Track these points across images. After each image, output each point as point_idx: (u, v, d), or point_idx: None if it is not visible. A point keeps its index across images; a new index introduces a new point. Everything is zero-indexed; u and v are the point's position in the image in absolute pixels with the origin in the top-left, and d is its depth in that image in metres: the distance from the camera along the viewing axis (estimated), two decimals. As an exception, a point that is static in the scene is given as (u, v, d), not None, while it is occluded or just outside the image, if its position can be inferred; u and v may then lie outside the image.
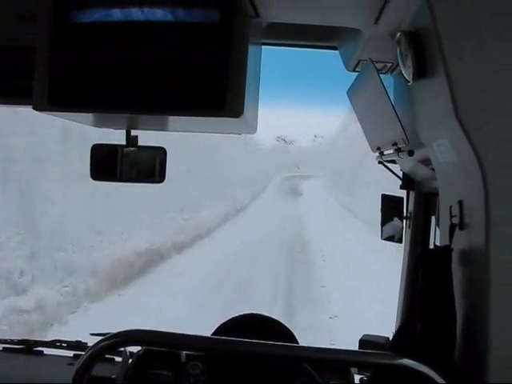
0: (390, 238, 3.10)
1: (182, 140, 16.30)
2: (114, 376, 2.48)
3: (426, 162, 2.27)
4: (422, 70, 1.74)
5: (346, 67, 2.59)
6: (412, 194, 2.94)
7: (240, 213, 27.93)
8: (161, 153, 2.31)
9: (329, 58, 2.75)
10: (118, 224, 14.22)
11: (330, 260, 15.88)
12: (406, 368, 1.55)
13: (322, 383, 2.34)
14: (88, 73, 1.60)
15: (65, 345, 2.79)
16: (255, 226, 21.93)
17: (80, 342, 2.76)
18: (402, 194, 3.04)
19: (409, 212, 2.96)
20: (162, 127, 2.10)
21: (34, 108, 1.66)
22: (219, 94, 1.52)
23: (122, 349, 2.49)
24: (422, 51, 1.72)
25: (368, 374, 2.52)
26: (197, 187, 21.64)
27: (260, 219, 24.58)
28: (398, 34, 1.80)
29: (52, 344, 2.83)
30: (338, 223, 24.32)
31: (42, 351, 2.81)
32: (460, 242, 1.76)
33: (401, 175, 2.97)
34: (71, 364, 2.56)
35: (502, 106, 1.57)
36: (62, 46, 1.62)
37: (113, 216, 14.07)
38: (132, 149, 2.23)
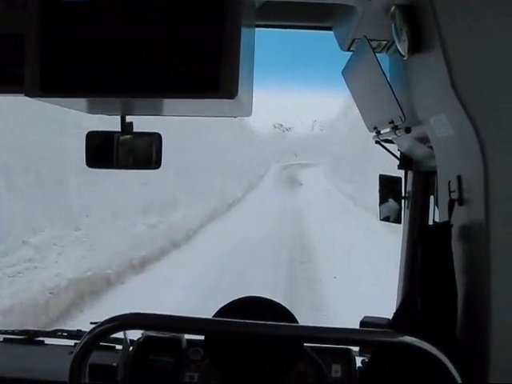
0: (387, 219, 3.09)
1: (176, 128, 15.71)
2: (114, 364, 2.47)
3: (424, 139, 2.26)
4: (417, 44, 1.72)
5: (341, 47, 2.57)
6: (410, 173, 2.92)
7: (232, 208, 24.44)
8: (156, 138, 2.30)
9: (324, 39, 2.71)
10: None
11: (342, 279, 11.56)
12: (408, 345, 1.54)
13: (323, 365, 2.34)
14: (80, 57, 1.58)
15: (65, 334, 2.78)
16: (248, 226, 18.12)
17: (80, 330, 2.75)
18: (400, 174, 3.03)
19: (407, 192, 2.95)
20: (157, 112, 2.08)
21: (26, 95, 1.63)
22: (213, 75, 1.50)
23: (123, 337, 2.49)
24: (417, 25, 1.70)
25: (369, 356, 2.52)
26: (188, 180, 19.64)
27: (255, 216, 21.04)
28: (393, 8, 1.78)
29: (53, 334, 2.83)
30: (345, 217, 21.14)
31: (43, 341, 2.81)
32: (459, 217, 1.75)
33: (398, 155, 2.96)
34: (72, 353, 2.56)
35: (499, 78, 1.55)
36: (53, 30, 1.59)
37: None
38: (127, 135, 2.21)
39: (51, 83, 1.59)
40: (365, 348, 2.50)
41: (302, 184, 40.23)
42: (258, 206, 25.47)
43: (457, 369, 1.48)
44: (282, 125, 78.38)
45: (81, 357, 1.54)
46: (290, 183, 39.72)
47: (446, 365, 1.49)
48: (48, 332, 2.86)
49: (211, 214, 20.07)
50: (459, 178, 1.73)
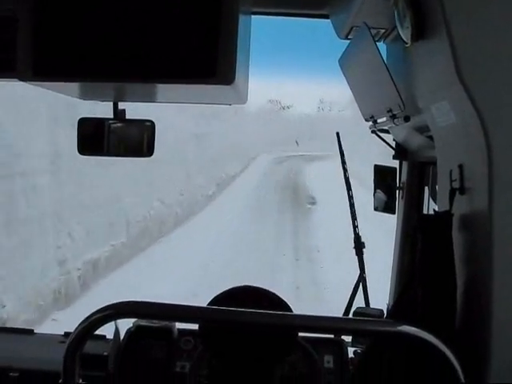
0: (377, 209, 3.09)
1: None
2: (105, 353, 2.45)
3: (421, 129, 2.24)
4: (421, 31, 1.70)
5: (338, 35, 2.55)
6: (405, 164, 2.91)
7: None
8: (149, 126, 2.28)
9: (324, 28, 2.62)
10: None
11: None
12: (407, 335, 1.53)
13: (315, 356, 2.33)
14: (73, 40, 1.55)
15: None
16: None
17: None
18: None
19: (402, 182, 2.94)
20: (151, 98, 2.06)
21: (18, 79, 1.60)
22: (210, 60, 1.48)
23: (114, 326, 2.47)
24: (421, 11, 1.68)
25: (362, 347, 2.52)
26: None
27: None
28: None
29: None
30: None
31: (32, 330, 2.78)
32: (460, 206, 1.73)
33: (393, 145, 2.94)
34: (63, 342, 2.53)
35: (505, 66, 1.54)
36: (46, 13, 1.56)
37: None
38: (119, 122, 2.18)
39: (44, 67, 1.56)
40: (359, 338, 2.49)
41: (314, 202, 21.00)
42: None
43: (456, 359, 1.47)
44: (279, 102, 58.35)
45: (75, 346, 1.52)
46: (286, 200, 21.37)
47: (445, 354, 1.48)
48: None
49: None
50: (461, 167, 1.72)
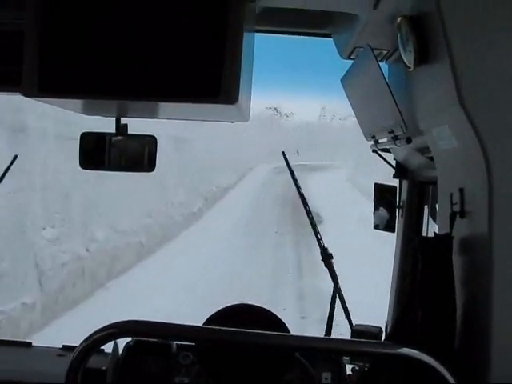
0: (377, 227, 3.10)
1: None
2: (104, 368, 2.45)
3: (423, 150, 2.26)
4: (423, 55, 1.71)
5: (341, 54, 2.57)
6: (405, 183, 2.93)
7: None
8: (150, 141, 2.29)
9: (327, 45, 2.64)
10: None
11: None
12: (407, 357, 1.53)
13: (314, 373, 2.33)
14: (79, 57, 1.56)
15: None
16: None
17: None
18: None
19: (401, 201, 2.95)
20: (153, 114, 2.07)
21: (23, 95, 1.61)
22: (214, 80, 1.49)
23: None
24: (424, 36, 1.69)
25: (360, 364, 2.52)
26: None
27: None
28: (399, 19, 1.77)
29: None
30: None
31: (30, 343, 2.77)
32: (461, 230, 1.74)
33: (394, 164, 2.96)
34: (61, 355, 2.53)
35: (506, 92, 1.55)
36: (52, 30, 1.57)
37: None
38: (121, 137, 2.19)
39: (49, 83, 1.57)
40: (360, 358, 2.49)
41: (319, 221, 12.99)
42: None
43: (455, 381, 1.47)
44: (277, 109, 55.86)
45: (77, 364, 1.53)
46: (286, 217, 18.78)
47: (444, 377, 1.49)
48: None
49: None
50: (462, 191, 1.73)
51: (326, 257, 2.92)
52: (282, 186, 24.97)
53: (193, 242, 14.63)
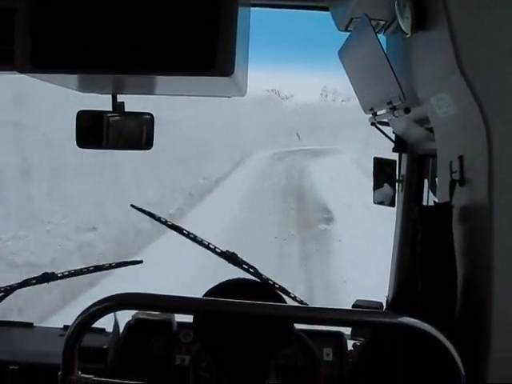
0: (381, 203, 3.08)
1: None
2: (105, 346, 2.45)
3: (422, 121, 2.24)
4: (421, 22, 1.69)
5: (338, 27, 2.54)
6: (404, 156, 2.91)
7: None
8: (148, 119, 2.28)
9: (325, 19, 2.60)
10: None
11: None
12: (407, 326, 1.53)
13: (315, 348, 2.33)
14: (72, 32, 1.54)
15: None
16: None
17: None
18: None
19: (401, 175, 2.94)
20: (150, 90, 2.05)
21: (17, 70, 1.59)
22: (209, 52, 1.47)
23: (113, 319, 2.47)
24: (421, 1, 1.67)
25: (361, 339, 2.52)
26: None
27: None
28: None
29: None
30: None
31: (32, 323, 2.77)
32: (460, 198, 1.73)
33: (393, 138, 2.94)
34: (62, 335, 2.53)
35: (505, 57, 1.53)
36: (45, 4, 1.55)
37: None
38: (118, 115, 2.17)
39: (43, 59, 1.55)
40: (358, 330, 2.49)
41: (330, 218, 14.72)
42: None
43: (456, 350, 1.47)
44: (277, 91, 49.83)
45: (73, 339, 1.51)
46: (289, 215, 15.08)
47: (445, 346, 1.48)
48: None
49: None
50: (461, 159, 1.71)
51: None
52: (283, 174, 22.82)
53: (160, 264, 8.83)
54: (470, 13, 1.53)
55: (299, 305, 1.65)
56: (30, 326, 2.77)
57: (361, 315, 1.68)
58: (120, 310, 1.67)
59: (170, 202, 14.95)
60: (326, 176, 21.53)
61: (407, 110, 2.11)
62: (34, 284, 2.65)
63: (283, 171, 23.81)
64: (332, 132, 42.46)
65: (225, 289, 2.09)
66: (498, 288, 1.58)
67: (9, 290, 2.60)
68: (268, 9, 2.70)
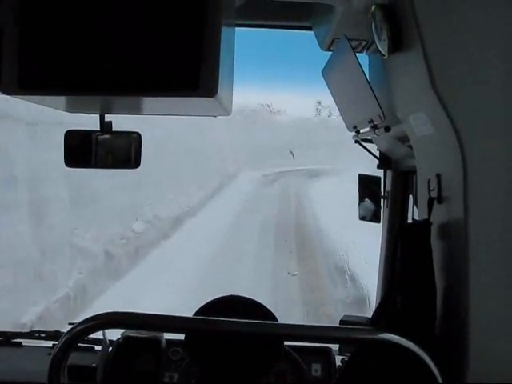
0: (363, 218, 3.11)
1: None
2: (94, 364, 2.45)
3: (403, 138, 2.28)
4: (397, 43, 1.73)
5: (321, 46, 2.59)
6: (389, 173, 2.94)
7: None
8: (136, 137, 2.29)
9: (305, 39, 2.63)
10: None
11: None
12: (388, 342, 1.55)
13: (303, 365, 2.35)
14: (59, 53, 1.56)
15: (43, 335, 2.75)
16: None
17: (58, 331, 2.72)
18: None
19: (386, 191, 2.97)
20: (137, 111, 2.07)
21: (3, 92, 1.61)
22: (193, 73, 1.50)
23: (102, 337, 2.47)
24: (397, 24, 1.71)
25: (348, 355, 2.53)
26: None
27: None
28: (373, 8, 1.79)
29: (30, 335, 2.79)
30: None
31: (20, 342, 2.77)
32: (439, 215, 1.76)
33: (378, 155, 2.97)
34: (50, 354, 2.53)
35: (478, 78, 1.57)
36: (32, 26, 1.57)
37: None
38: (106, 134, 2.20)
39: (29, 80, 1.57)
40: (345, 346, 2.51)
41: (361, 298, 8.08)
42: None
43: (436, 366, 1.49)
44: (269, 106, 45.83)
45: (60, 357, 1.52)
46: (293, 301, 8.36)
47: (425, 361, 1.51)
48: (25, 333, 2.82)
49: None
50: (438, 177, 1.75)
51: None
52: (275, 205, 16.42)
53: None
54: (443, 35, 1.57)
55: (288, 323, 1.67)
56: (18, 345, 2.76)
57: (343, 332, 1.71)
58: (106, 328, 1.68)
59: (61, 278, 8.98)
60: (333, 206, 14.78)
61: (387, 129, 2.15)
62: None
63: (275, 200, 17.89)
64: (329, 149, 38.17)
65: (216, 306, 2.10)
66: (475, 303, 1.61)
67: None
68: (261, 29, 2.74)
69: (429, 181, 1.79)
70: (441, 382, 1.49)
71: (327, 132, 39.80)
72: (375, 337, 1.59)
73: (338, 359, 2.58)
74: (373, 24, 1.84)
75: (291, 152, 36.12)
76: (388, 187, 2.95)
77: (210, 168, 20.71)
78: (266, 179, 25.46)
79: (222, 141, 25.66)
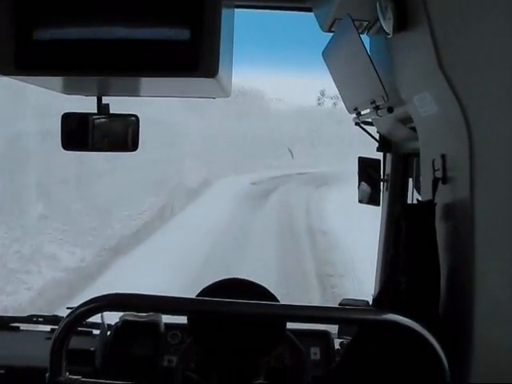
0: (362, 201, 3.10)
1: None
2: (92, 348, 2.45)
3: (405, 120, 2.26)
4: (402, 22, 1.71)
5: (322, 28, 2.56)
6: (389, 156, 2.93)
7: None
8: (133, 120, 2.27)
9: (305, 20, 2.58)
10: None
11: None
12: (392, 323, 1.54)
13: (302, 348, 2.35)
14: (56, 34, 1.54)
15: (41, 319, 2.74)
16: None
17: (56, 315, 2.71)
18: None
19: (386, 174, 2.96)
20: (134, 92, 2.06)
21: (0, 73, 1.59)
22: (193, 54, 1.49)
23: (100, 321, 2.46)
24: (402, 2, 1.69)
25: (348, 338, 2.54)
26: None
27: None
28: None
29: (28, 319, 2.78)
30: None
31: (19, 327, 2.76)
32: (443, 196, 1.75)
33: (377, 137, 2.96)
34: (49, 338, 2.52)
35: (485, 56, 1.55)
36: (27, 6, 1.55)
37: None
38: (103, 117, 2.17)
39: (26, 61, 1.55)
40: (344, 329, 2.51)
41: None
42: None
43: (440, 345, 1.49)
44: (264, 91, 37.01)
45: (61, 340, 1.51)
46: None
47: (430, 342, 1.50)
48: (23, 318, 2.81)
49: None
50: (443, 157, 1.73)
51: None
52: (270, 246, 10.95)
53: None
54: (450, 13, 1.55)
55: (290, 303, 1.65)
56: (16, 329, 2.75)
57: (345, 312, 1.70)
58: (106, 311, 1.66)
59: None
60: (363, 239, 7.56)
61: (390, 110, 2.13)
62: None
63: (270, 232, 11.86)
64: (337, 144, 31.41)
65: (218, 288, 2.10)
66: (480, 284, 1.60)
67: None
68: (260, 10, 2.71)
69: (433, 161, 1.78)
70: (446, 363, 1.48)
71: (334, 124, 33.04)
72: (380, 317, 1.58)
73: (337, 342, 2.59)
74: (377, 2, 1.81)
75: (290, 150, 29.49)
76: (388, 170, 2.94)
77: (168, 174, 15.76)
78: (255, 190, 18.07)
79: (194, 131, 20.70)
